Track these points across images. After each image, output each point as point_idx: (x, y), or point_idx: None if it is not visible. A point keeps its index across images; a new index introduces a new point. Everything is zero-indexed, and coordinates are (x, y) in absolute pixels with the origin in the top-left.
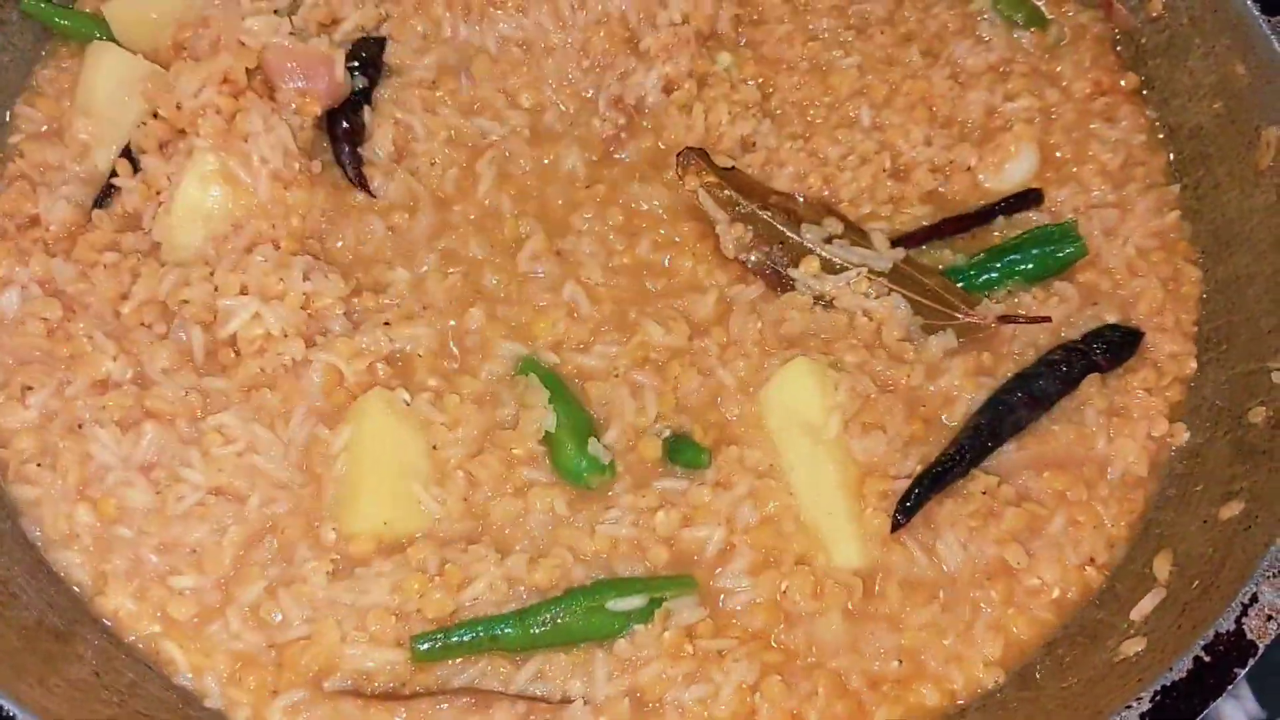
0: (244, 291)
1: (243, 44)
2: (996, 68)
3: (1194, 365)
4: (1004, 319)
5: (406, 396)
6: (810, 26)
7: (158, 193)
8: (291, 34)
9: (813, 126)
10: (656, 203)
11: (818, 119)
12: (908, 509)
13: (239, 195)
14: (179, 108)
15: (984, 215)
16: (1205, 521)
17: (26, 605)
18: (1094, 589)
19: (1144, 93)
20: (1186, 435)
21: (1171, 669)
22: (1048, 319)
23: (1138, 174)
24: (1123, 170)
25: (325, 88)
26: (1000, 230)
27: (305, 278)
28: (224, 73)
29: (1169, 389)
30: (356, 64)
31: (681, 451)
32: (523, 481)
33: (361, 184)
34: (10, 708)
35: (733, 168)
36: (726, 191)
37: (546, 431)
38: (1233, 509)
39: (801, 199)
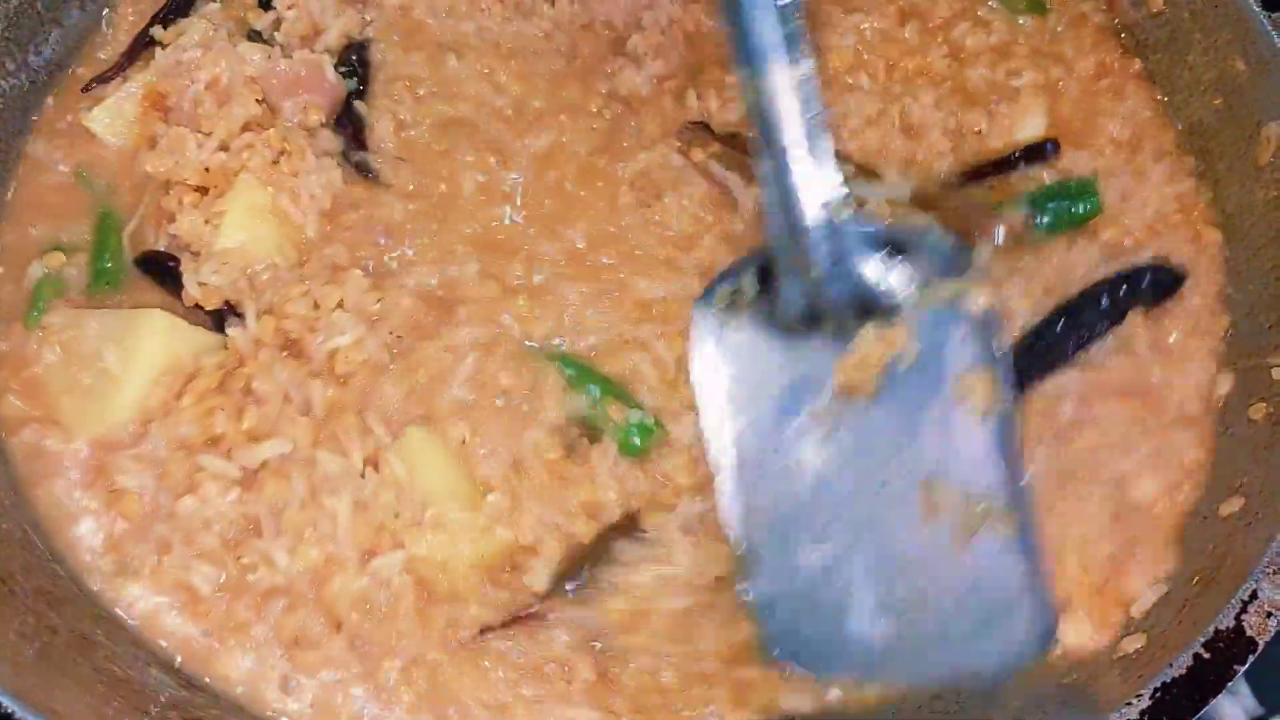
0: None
1: (251, 79)
2: (998, 48)
3: (1227, 320)
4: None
5: (466, 435)
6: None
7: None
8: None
9: None
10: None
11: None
12: None
13: (286, 230)
14: (207, 170)
15: (1001, 165)
16: (1205, 517)
17: (23, 600)
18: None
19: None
20: (1229, 384)
21: (1171, 665)
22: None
23: (1148, 145)
24: (1133, 141)
25: (322, 95)
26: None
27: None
28: (246, 118)
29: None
30: (345, 68)
31: None
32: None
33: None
34: (8, 705)
35: (735, 134)
36: (734, 155)
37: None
38: (1233, 505)
39: None
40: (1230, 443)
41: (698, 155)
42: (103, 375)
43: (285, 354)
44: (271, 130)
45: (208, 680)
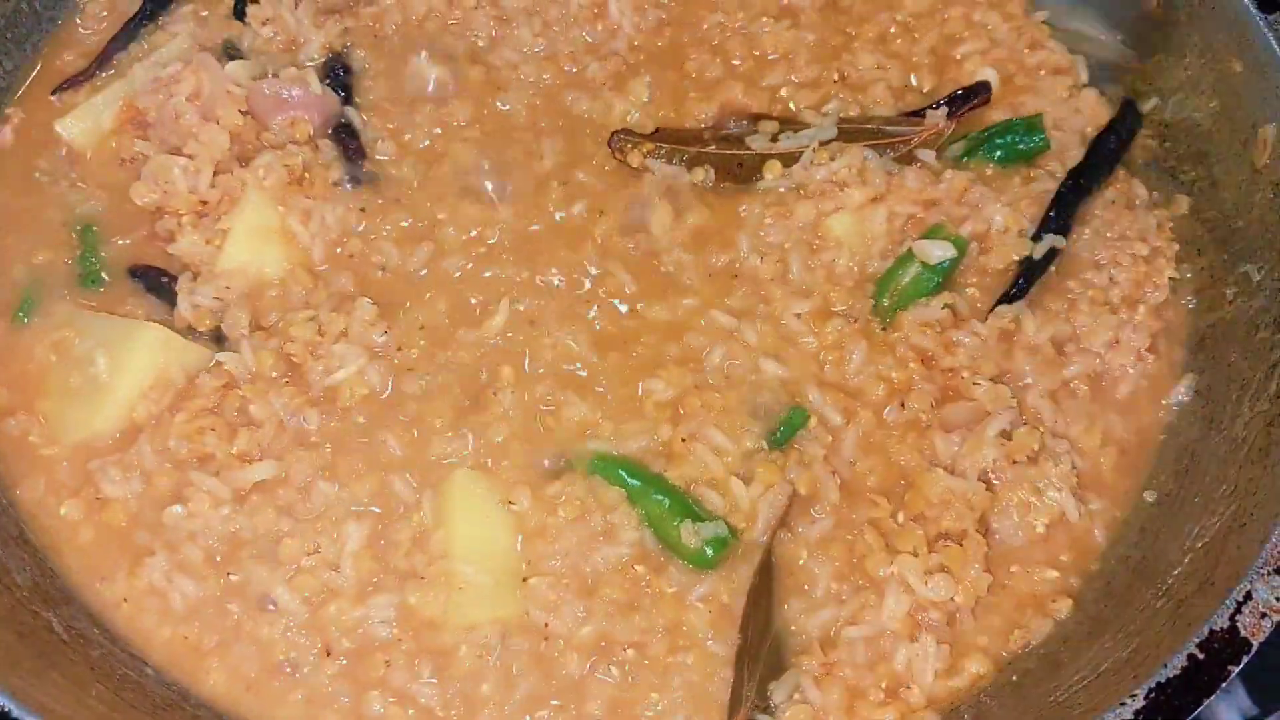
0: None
1: (229, 93)
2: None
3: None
4: (951, 112)
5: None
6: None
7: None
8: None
9: (741, 69)
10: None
11: (746, 63)
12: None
13: (292, 253)
14: (203, 202)
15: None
16: (1200, 519)
17: (19, 597)
18: None
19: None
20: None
21: (1166, 666)
22: (987, 88)
23: (1091, 94)
24: (1075, 88)
25: (309, 110)
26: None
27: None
28: (231, 131)
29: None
30: (329, 80)
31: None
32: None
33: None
34: (3, 703)
35: (657, 130)
36: (664, 148)
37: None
38: (1227, 506)
39: (733, 123)
40: (1224, 444)
41: (635, 159)
42: (92, 381)
43: (285, 380)
44: (294, 148)
45: (189, 688)
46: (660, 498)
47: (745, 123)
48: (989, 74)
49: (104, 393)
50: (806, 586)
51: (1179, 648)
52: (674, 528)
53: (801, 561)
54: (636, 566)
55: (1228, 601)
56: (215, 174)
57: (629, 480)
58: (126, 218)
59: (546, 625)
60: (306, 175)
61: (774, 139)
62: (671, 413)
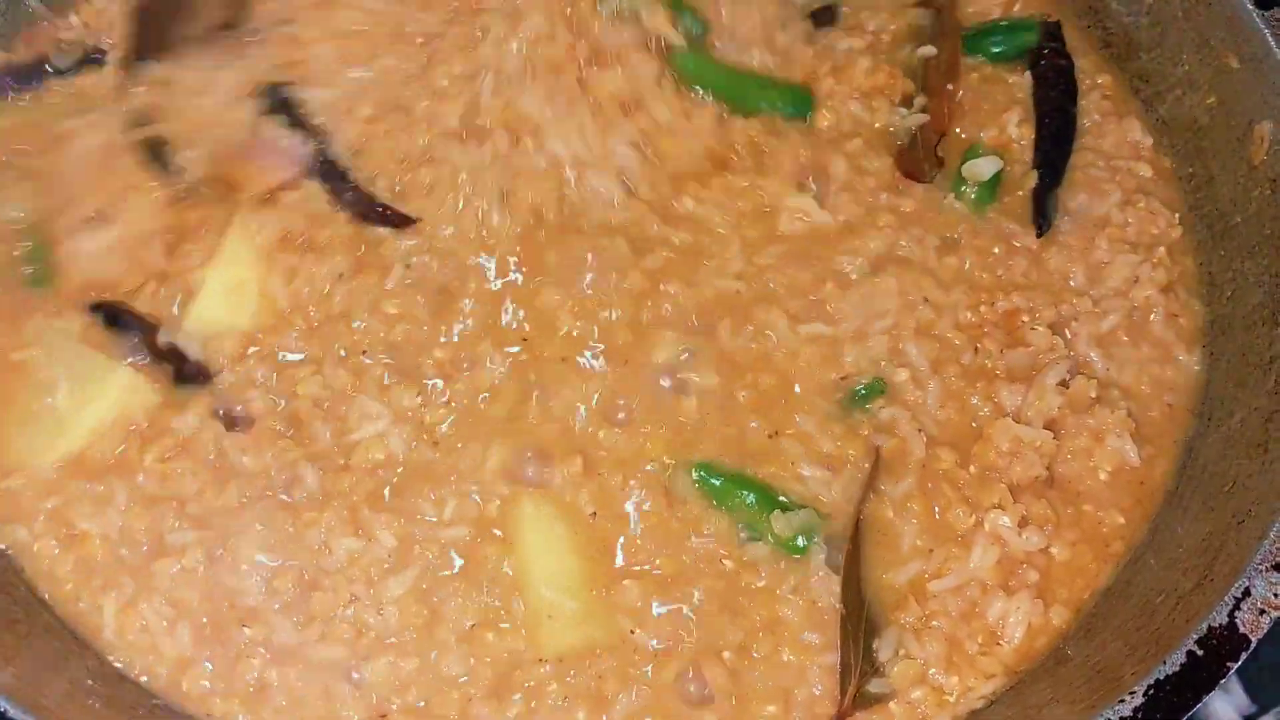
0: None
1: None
2: None
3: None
4: None
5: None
6: None
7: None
8: None
9: None
10: None
11: None
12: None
13: (270, 306)
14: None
15: None
16: (1198, 515)
17: (15, 595)
18: None
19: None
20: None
21: (1165, 663)
22: None
23: None
24: None
25: (279, 157)
26: None
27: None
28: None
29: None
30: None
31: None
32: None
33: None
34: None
35: None
36: None
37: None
38: (1226, 503)
39: None
40: (1222, 441)
41: None
42: (50, 410)
43: (290, 434)
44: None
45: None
46: (744, 493)
47: None
48: None
49: (59, 428)
50: (894, 544)
51: (1178, 644)
52: (763, 522)
53: (888, 518)
54: (724, 561)
55: (1226, 598)
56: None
57: (710, 480)
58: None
59: (633, 632)
60: (306, 230)
61: None
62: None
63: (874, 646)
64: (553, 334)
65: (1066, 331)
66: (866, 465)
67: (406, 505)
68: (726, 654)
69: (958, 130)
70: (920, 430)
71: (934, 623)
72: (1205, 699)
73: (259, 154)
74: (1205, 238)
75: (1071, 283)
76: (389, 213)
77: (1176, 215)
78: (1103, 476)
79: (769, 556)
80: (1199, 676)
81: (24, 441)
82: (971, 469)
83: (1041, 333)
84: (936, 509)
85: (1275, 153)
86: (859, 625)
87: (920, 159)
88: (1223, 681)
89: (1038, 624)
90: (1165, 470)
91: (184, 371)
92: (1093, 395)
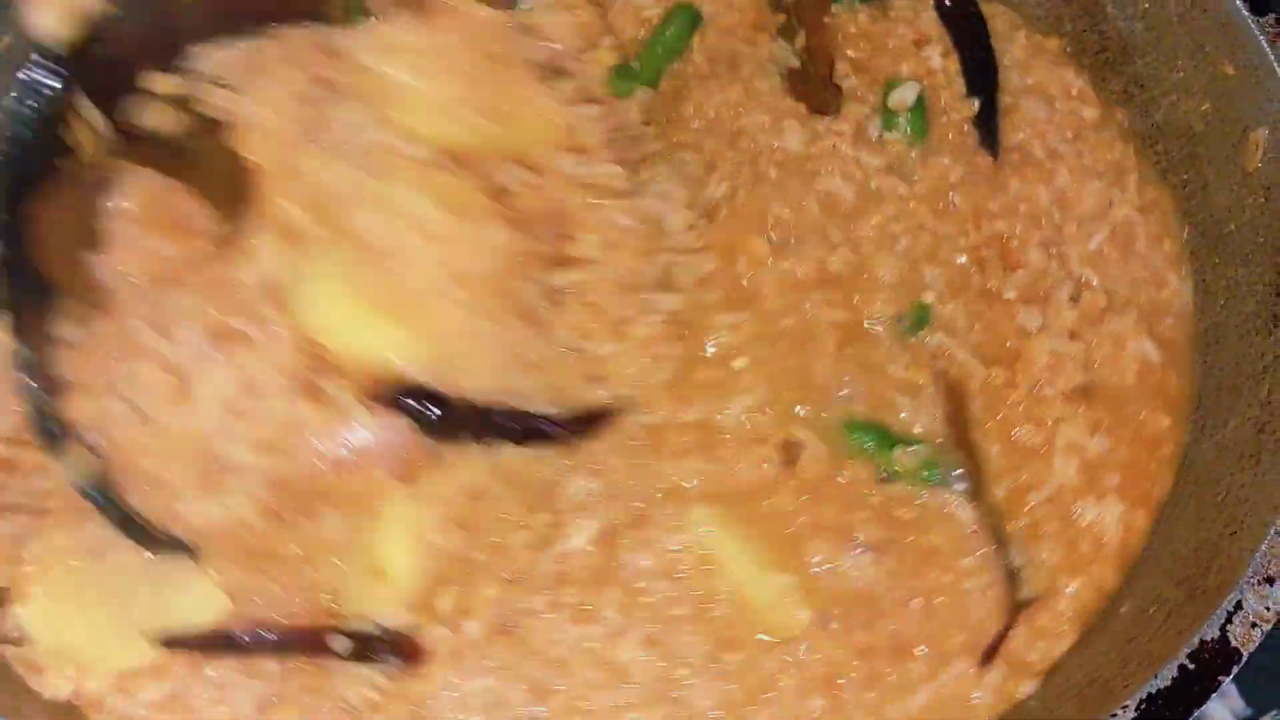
0: None
1: None
2: None
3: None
4: None
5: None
6: None
7: None
8: None
9: None
10: None
11: None
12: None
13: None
14: None
15: None
16: (1190, 526)
17: None
18: None
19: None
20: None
21: (1156, 677)
22: None
23: None
24: None
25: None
26: None
27: None
28: None
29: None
30: None
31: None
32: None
33: None
34: None
35: None
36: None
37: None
38: (1218, 513)
39: None
40: (1214, 451)
41: None
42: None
43: None
44: None
45: None
46: (860, 436)
47: None
48: None
49: None
50: (983, 464)
51: (1169, 658)
52: (889, 460)
53: (973, 439)
54: (872, 499)
55: (1218, 611)
56: None
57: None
58: None
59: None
60: None
61: None
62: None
63: (1010, 559)
64: None
65: (1056, 252)
66: (939, 392)
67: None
68: (914, 600)
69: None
70: (971, 354)
71: (1042, 531)
72: (1197, 713)
73: None
74: (1199, 245)
75: (1046, 208)
76: None
77: (1130, 147)
78: (1130, 380)
79: (907, 492)
80: (1191, 690)
81: None
82: (1021, 387)
83: (1035, 254)
84: (1013, 428)
85: (1270, 160)
86: (1000, 540)
87: (818, 90)
88: (1215, 694)
89: (1127, 524)
90: (1186, 376)
91: None
92: (1102, 306)
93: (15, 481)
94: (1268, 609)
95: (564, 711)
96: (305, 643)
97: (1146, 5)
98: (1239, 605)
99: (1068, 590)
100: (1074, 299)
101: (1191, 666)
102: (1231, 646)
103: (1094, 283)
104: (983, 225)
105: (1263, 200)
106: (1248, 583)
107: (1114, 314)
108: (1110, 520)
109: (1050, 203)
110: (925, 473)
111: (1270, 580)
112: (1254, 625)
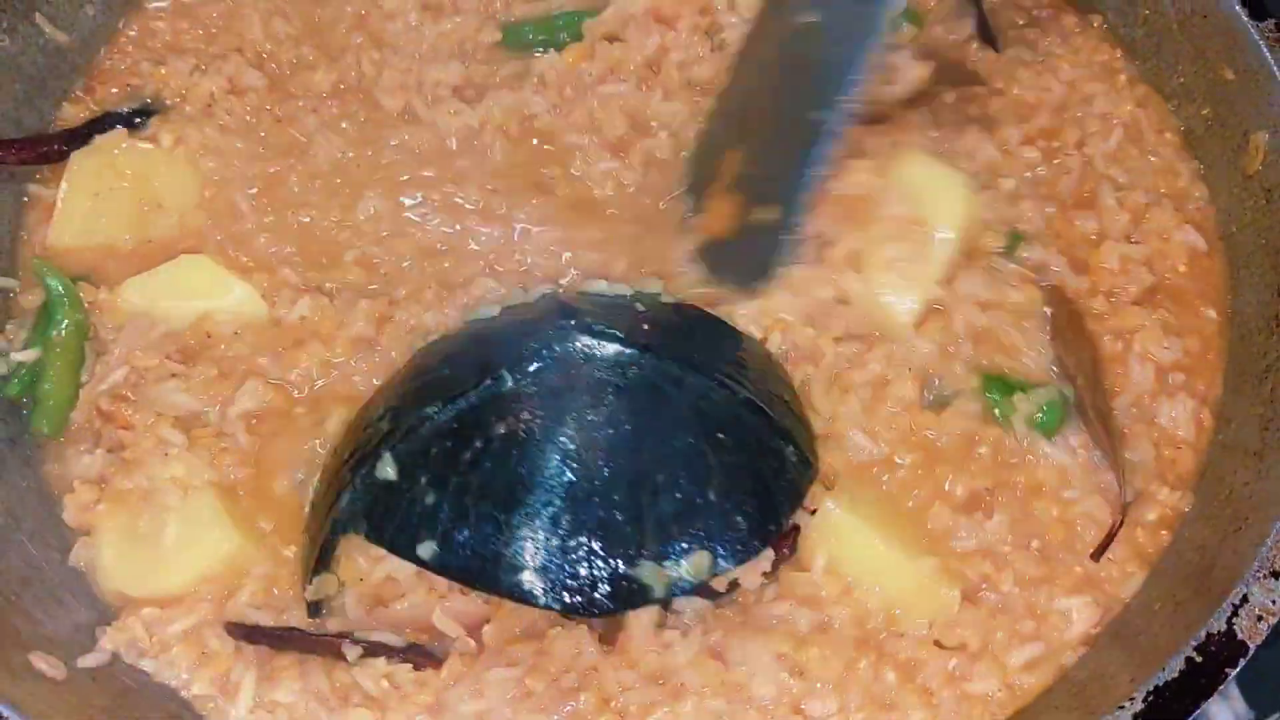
0: None
1: None
2: None
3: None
4: None
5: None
6: None
7: None
8: None
9: None
10: None
11: None
12: None
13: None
14: None
15: None
16: (1196, 521)
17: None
18: None
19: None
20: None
21: (1163, 669)
22: None
23: None
24: None
25: None
26: None
27: None
28: None
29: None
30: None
31: None
32: None
33: None
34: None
35: None
36: None
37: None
38: (1223, 509)
39: None
40: (1220, 449)
41: None
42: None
43: None
44: None
45: None
46: (992, 388)
47: None
48: None
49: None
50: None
51: (1176, 651)
52: (1010, 408)
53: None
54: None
55: (1225, 605)
56: None
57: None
58: None
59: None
60: None
61: None
62: None
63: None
64: None
65: (1085, 153)
66: (1048, 310)
67: None
68: (1033, 543)
69: None
70: (1063, 263)
71: (1127, 432)
72: (1204, 705)
73: None
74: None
75: (1062, 106)
76: None
77: (1118, 52)
78: (1181, 269)
79: (1020, 431)
80: (1198, 683)
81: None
82: (1099, 295)
83: (1074, 156)
84: (1101, 334)
85: (1271, 163)
86: (1111, 437)
87: None
88: (1221, 688)
89: (1199, 422)
90: (1221, 259)
91: None
92: (1143, 201)
93: (106, 432)
94: (1274, 602)
95: None
96: (323, 647)
97: (1147, 12)
98: (1245, 599)
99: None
100: (1119, 201)
101: (1198, 659)
102: (1238, 639)
103: (1120, 180)
104: (1018, 129)
105: (1264, 203)
106: (1254, 576)
107: (1155, 208)
108: (1184, 417)
109: (1065, 99)
110: (1041, 414)
111: (1276, 574)
112: (1260, 618)
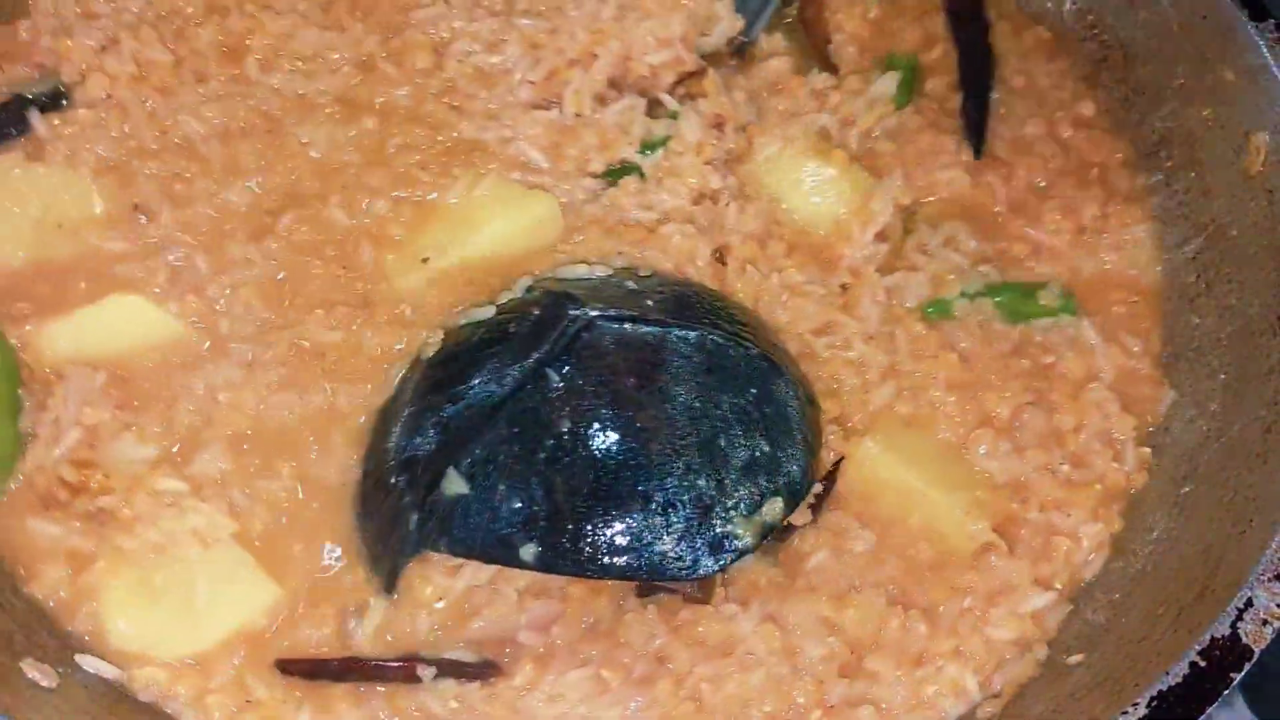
0: None
1: None
2: None
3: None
4: None
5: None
6: None
7: None
8: None
9: None
10: None
11: None
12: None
13: None
14: None
15: None
16: (1199, 525)
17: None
18: None
19: (1131, 99)
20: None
21: (1168, 674)
22: None
23: None
24: None
25: None
26: None
27: None
28: None
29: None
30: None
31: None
32: None
33: None
34: None
35: None
36: None
37: None
38: (1227, 513)
39: None
40: (1222, 452)
41: None
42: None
43: None
44: None
45: None
46: (995, 296)
47: None
48: None
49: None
50: None
51: (1180, 655)
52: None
53: None
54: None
55: (1229, 609)
56: None
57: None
58: None
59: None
60: None
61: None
62: None
63: None
64: None
65: None
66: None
67: None
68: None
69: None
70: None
71: None
72: (1209, 710)
73: None
74: (1203, 249)
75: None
76: None
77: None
78: None
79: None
80: (1202, 687)
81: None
82: None
83: None
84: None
85: (1272, 163)
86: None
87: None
88: (1225, 693)
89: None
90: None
91: None
92: None
93: (80, 501)
94: (1278, 606)
95: None
96: (392, 673)
97: (1146, 14)
98: (1249, 603)
99: None
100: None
101: (1202, 663)
102: (1243, 644)
103: None
104: None
105: (1265, 203)
106: (1258, 580)
107: None
108: None
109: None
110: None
111: None
112: (1265, 623)
